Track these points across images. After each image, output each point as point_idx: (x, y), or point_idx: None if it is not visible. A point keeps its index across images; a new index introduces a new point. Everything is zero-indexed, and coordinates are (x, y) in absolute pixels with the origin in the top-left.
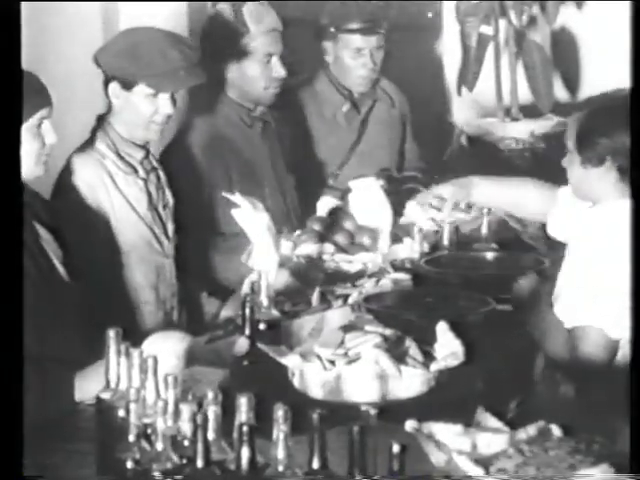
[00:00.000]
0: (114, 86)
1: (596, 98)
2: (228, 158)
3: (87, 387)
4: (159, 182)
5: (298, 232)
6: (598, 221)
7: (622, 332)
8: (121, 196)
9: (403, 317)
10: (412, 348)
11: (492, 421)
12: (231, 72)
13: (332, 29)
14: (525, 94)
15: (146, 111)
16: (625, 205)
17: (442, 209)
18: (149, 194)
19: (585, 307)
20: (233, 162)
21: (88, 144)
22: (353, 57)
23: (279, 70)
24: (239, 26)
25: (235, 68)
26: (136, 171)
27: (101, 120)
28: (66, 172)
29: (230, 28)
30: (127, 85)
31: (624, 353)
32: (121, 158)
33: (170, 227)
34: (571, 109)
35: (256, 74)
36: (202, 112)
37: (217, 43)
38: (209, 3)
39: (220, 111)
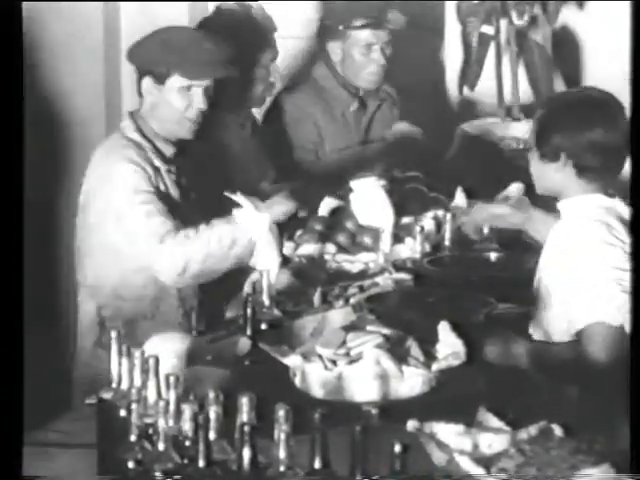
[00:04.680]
0: (147, 81)
1: (558, 96)
2: (226, 160)
3: None
4: (186, 179)
5: (299, 232)
6: (569, 220)
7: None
8: (163, 185)
9: (405, 317)
10: (413, 348)
11: (493, 421)
12: None
13: (340, 27)
14: (526, 94)
15: (179, 106)
16: (590, 199)
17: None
18: (181, 188)
19: (586, 306)
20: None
21: (120, 139)
22: (364, 53)
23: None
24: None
25: None
26: (169, 166)
27: (133, 116)
28: (99, 161)
29: None
30: (160, 78)
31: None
32: (156, 151)
33: None
34: None
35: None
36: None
37: None
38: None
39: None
